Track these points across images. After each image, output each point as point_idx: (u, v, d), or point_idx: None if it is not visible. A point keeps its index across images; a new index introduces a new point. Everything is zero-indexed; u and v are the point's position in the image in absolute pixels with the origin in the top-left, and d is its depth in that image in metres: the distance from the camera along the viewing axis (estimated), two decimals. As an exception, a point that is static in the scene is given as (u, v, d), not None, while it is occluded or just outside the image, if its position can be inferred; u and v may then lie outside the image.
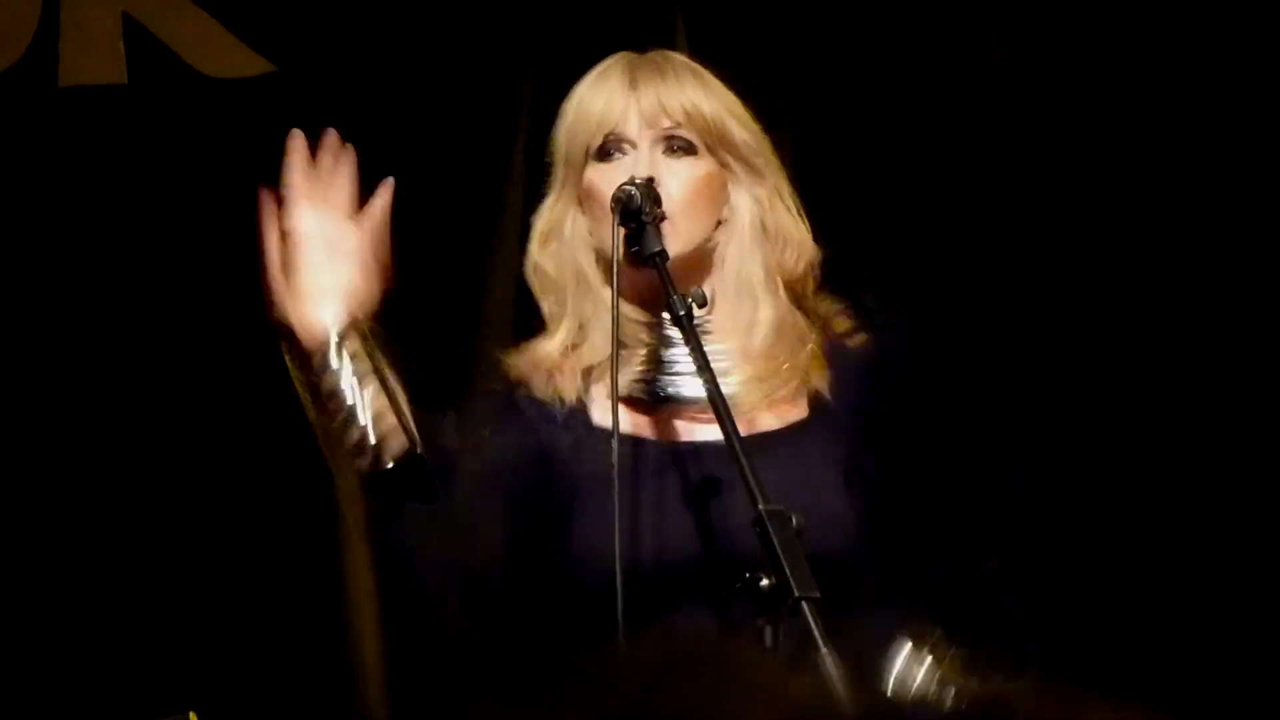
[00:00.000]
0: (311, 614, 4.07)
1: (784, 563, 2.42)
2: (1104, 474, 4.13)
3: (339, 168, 2.65)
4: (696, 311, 2.61)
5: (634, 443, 2.69)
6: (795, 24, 4.22)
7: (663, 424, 2.72)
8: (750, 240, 2.74)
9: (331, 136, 2.64)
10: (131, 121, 4.12)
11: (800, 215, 2.79)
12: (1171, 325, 4.16)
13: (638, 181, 2.64)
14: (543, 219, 2.79)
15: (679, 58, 2.79)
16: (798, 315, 2.76)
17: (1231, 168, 4.16)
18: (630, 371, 2.70)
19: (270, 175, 4.24)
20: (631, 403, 2.70)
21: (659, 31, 3.91)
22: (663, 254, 2.61)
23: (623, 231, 2.63)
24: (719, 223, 2.74)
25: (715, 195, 2.73)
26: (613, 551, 2.55)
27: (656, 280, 2.63)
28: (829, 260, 2.83)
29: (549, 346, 2.75)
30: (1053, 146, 4.08)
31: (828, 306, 2.80)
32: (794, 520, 2.46)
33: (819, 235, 2.81)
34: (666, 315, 2.66)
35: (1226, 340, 4.15)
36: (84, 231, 4.26)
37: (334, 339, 2.56)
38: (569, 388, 2.71)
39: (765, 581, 2.44)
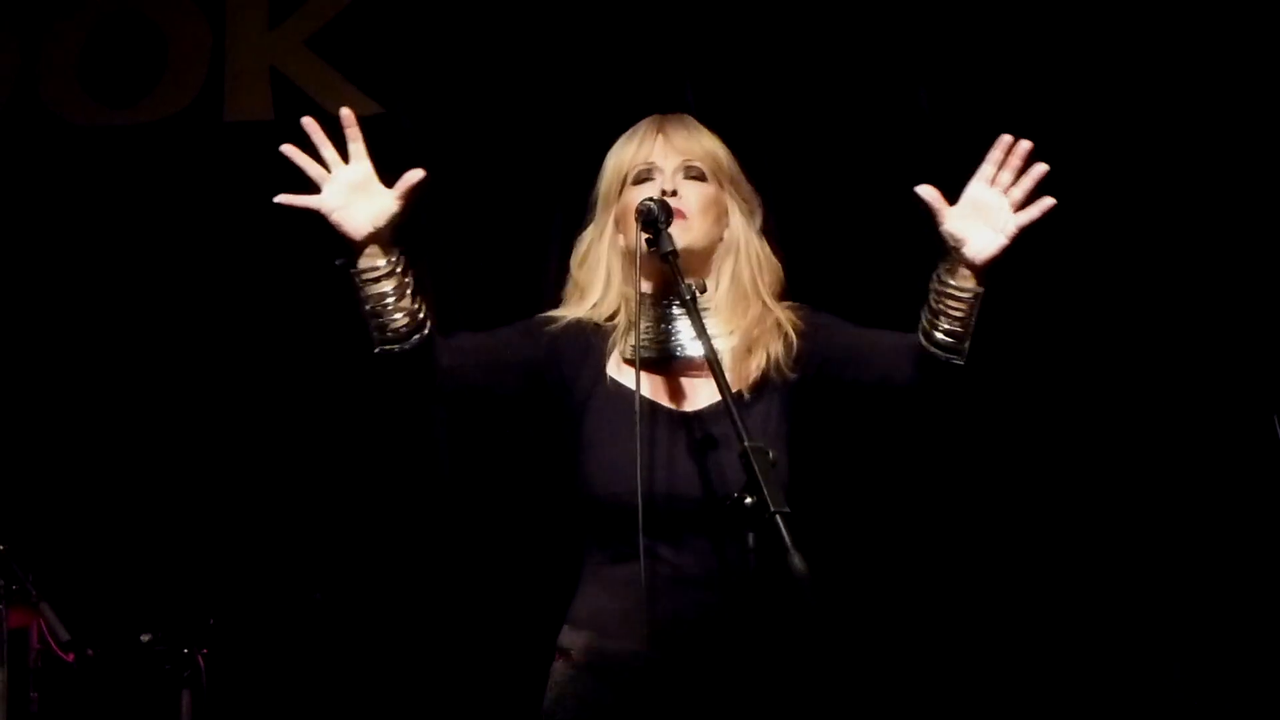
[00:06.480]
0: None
1: (763, 487, 2.82)
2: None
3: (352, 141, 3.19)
4: (699, 297, 3.18)
5: (649, 404, 3.20)
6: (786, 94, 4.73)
7: (665, 380, 3.26)
8: (743, 256, 3.34)
9: (346, 115, 3.22)
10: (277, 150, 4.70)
11: (776, 250, 3.38)
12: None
13: (655, 199, 3.22)
14: (584, 243, 3.38)
15: (693, 120, 3.39)
16: (770, 312, 3.32)
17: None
18: (642, 335, 3.26)
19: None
20: (642, 362, 3.23)
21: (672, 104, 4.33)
22: (674, 252, 3.17)
23: (645, 235, 3.21)
24: (722, 237, 3.33)
25: (720, 213, 3.33)
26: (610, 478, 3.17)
27: (668, 276, 3.19)
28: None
29: (584, 309, 3.34)
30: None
31: (788, 311, 3.35)
32: (770, 454, 2.87)
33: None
34: (674, 301, 3.26)
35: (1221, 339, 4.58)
36: (248, 235, 4.91)
37: (373, 233, 3.14)
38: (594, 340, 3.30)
39: (749, 500, 2.82)
